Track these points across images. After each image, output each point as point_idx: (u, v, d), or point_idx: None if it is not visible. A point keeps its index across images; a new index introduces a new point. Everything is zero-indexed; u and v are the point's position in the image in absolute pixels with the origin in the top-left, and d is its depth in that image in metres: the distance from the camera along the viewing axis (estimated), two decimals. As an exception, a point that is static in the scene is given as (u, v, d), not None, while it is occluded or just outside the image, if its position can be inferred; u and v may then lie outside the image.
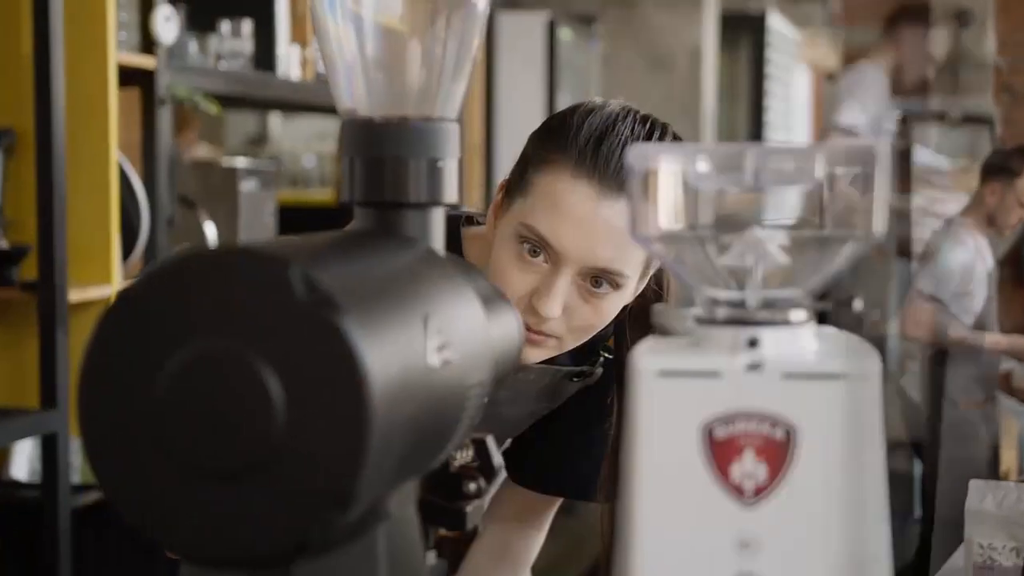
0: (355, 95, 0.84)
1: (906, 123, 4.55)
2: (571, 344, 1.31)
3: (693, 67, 5.57)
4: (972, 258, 4.41)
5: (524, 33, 5.35)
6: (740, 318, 0.72)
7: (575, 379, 1.44)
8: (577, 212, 1.23)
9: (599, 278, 1.27)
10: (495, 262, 1.29)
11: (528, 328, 1.27)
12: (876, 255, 4.53)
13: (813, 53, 8.87)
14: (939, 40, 4.64)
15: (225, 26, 3.07)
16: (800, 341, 0.71)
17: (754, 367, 0.69)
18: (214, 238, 2.97)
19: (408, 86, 0.83)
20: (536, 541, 1.54)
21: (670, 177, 0.72)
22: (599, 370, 1.44)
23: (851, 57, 9.93)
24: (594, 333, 1.32)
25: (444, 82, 0.84)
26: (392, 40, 0.83)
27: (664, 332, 0.85)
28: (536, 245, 1.26)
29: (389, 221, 0.82)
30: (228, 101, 3.27)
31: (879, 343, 4.56)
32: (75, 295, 2.43)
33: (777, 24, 7.49)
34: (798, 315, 0.72)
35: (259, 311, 0.62)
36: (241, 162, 3.23)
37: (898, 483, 4.04)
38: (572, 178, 1.24)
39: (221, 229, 3.05)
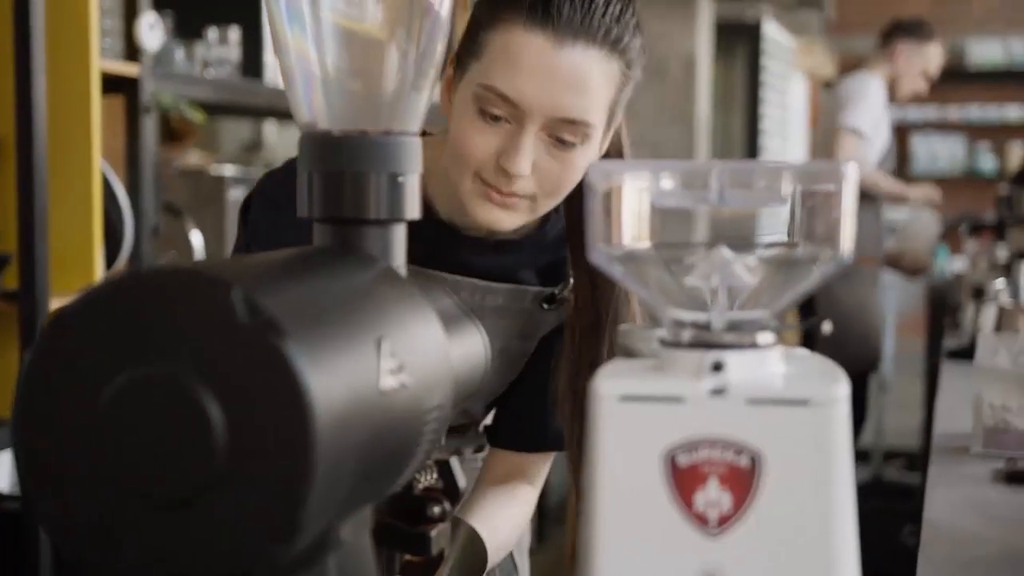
0: (314, 108, 0.81)
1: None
2: (544, 206, 1.29)
3: (687, 75, 5.55)
4: (883, 98, 4.55)
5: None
6: (705, 341, 0.70)
7: (546, 305, 1.42)
8: (534, 63, 1.21)
9: (564, 134, 1.24)
10: (455, 133, 1.27)
11: (499, 192, 1.26)
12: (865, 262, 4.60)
13: (809, 61, 8.87)
14: (934, 54, 4.66)
15: (212, 33, 3.05)
16: (767, 365, 0.69)
17: (718, 392, 0.67)
18: (200, 246, 2.94)
19: (368, 99, 0.81)
20: (531, 497, 1.50)
21: (633, 195, 0.70)
22: (568, 295, 1.41)
23: (847, 65, 9.95)
24: (565, 193, 1.29)
25: (405, 95, 0.82)
26: (352, 51, 0.81)
27: (628, 353, 0.83)
28: (496, 105, 1.23)
29: (349, 238, 0.79)
30: (216, 108, 3.24)
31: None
32: (57, 304, 2.40)
33: (773, 32, 7.48)
34: (765, 338, 0.70)
35: (200, 334, 0.59)
36: (229, 170, 3.20)
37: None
38: (525, 31, 1.21)
39: (209, 237, 3.03)
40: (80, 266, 2.48)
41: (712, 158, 6.37)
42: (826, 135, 4.56)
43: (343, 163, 0.79)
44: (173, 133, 3.55)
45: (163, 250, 2.88)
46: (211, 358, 0.59)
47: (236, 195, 3.09)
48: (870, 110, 4.48)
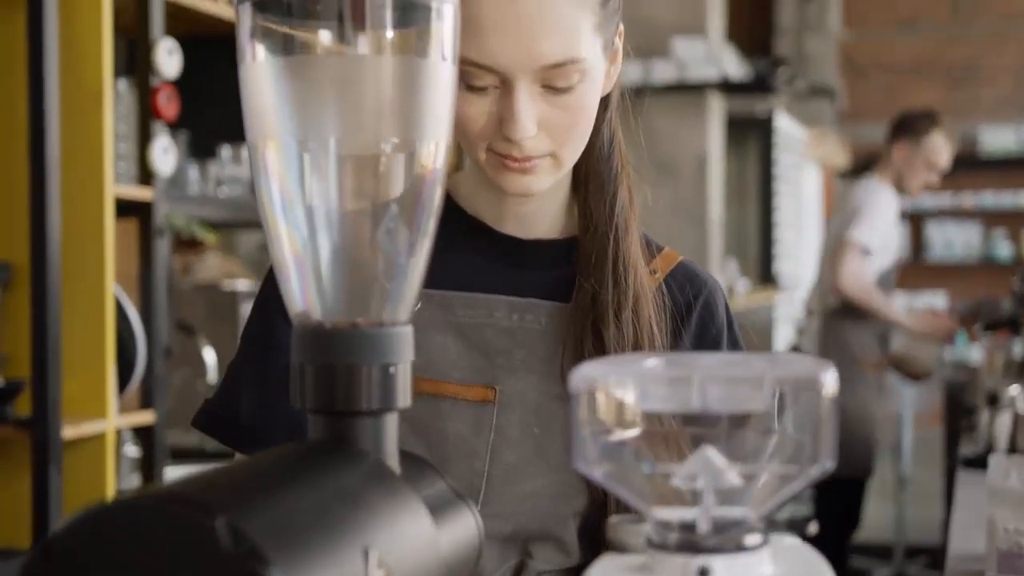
0: (307, 299, 0.83)
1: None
2: (569, 157, 1.20)
3: (699, 173, 5.58)
4: (894, 210, 4.53)
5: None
6: (691, 544, 0.70)
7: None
8: (495, 20, 1.11)
9: (556, 80, 1.15)
10: (455, 116, 1.16)
11: (514, 159, 1.17)
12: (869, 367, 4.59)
13: (822, 151, 8.92)
14: (935, 146, 4.66)
15: (225, 151, 3.09)
16: (754, 568, 0.69)
17: (704, 599, 0.67)
18: (213, 364, 2.96)
19: (360, 290, 0.82)
20: None
21: (616, 399, 0.71)
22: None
23: (860, 154, 10.02)
24: (586, 136, 1.20)
25: (396, 286, 0.83)
26: (344, 244, 0.82)
27: (618, 548, 0.83)
28: (477, 77, 1.14)
29: (340, 429, 0.80)
30: (230, 224, 3.28)
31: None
32: (69, 431, 2.41)
33: (784, 124, 7.53)
34: (752, 539, 0.70)
35: (184, 564, 0.60)
36: (243, 285, 3.23)
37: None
38: None
39: (222, 353, 3.04)
40: (92, 392, 2.49)
41: (726, 255, 6.39)
42: (835, 240, 4.57)
43: (335, 356, 0.80)
44: (191, 240, 3.59)
45: (176, 369, 2.89)
46: (196, 586, 0.60)
47: (249, 310, 3.11)
48: (881, 225, 4.49)
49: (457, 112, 1.14)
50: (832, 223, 4.84)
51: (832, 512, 4.68)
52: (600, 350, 1.23)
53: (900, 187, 4.65)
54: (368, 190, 0.82)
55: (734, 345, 1.34)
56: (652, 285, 1.29)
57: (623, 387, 0.70)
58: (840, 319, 4.58)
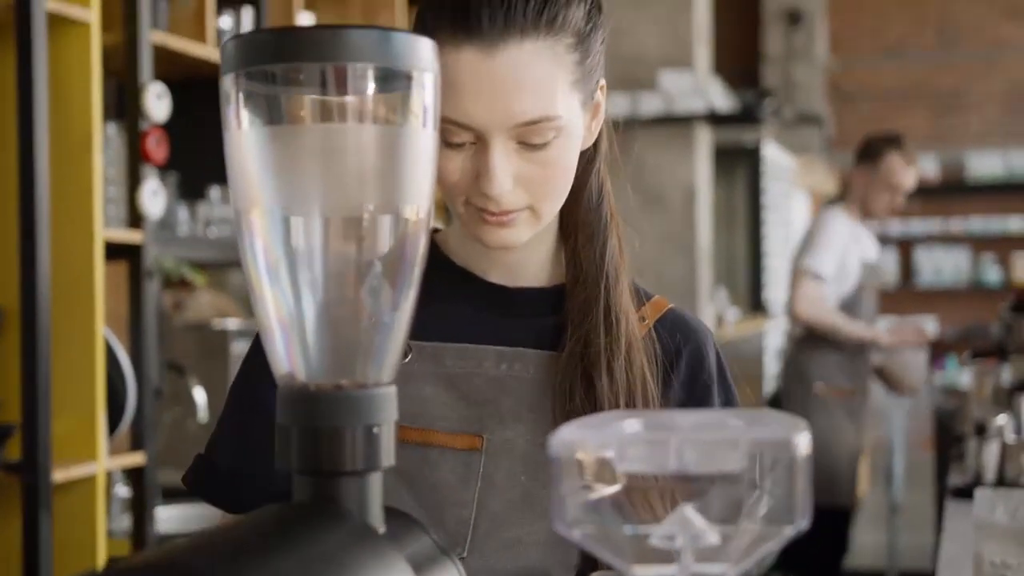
0: (292, 361, 0.84)
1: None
2: (547, 211, 1.21)
3: (688, 204, 5.61)
4: (847, 242, 4.53)
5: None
6: (670, 604, 0.71)
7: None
8: (471, 79, 1.13)
9: (531, 137, 1.16)
10: (437, 172, 1.19)
11: (491, 213, 1.19)
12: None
13: (810, 179, 8.96)
14: (892, 168, 4.61)
15: (215, 192, 3.11)
16: (732, 627, 0.71)
17: (682, 660, 0.68)
18: (204, 404, 2.97)
19: (343, 353, 0.84)
20: None
21: (595, 461, 0.72)
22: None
23: (847, 180, 10.07)
24: (564, 191, 1.21)
25: (380, 346, 0.84)
26: (328, 308, 0.84)
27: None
28: (455, 134, 1.15)
29: (326, 490, 0.82)
30: (220, 264, 3.29)
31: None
32: (60, 474, 2.41)
33: (772, 153, 7.57)
34: (730, 598, 0.71)
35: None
36: (233, 323, 3.24)
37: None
38: (455, 49, 1.14)
39: (212, 392, 3.05)
40: (83, 435, 2.50)
41: (715, 285, 6.42)
42: (792, 269, 4.58)
43: (320, 418, 0.81)
44: (182, 278, 3.60)
45: (167, 408, 2.90)
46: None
47: (240, 348, 3.12)
48: (834, 250, 4.49)
49: (440, 170, 1.15)
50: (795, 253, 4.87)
51: (819, 540, 4.68)
52: (592, 399, 1.24)
53: (866, 212, 4.65)
54: (351, 254, 0.83)
55: (726, 393, 1.34)
56: (642, 332, 1.30)
57: (603, 450, 0.72)
58: (802, 348, 4.59)
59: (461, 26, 1.14)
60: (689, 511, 0.72)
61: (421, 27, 1.18)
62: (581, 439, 0.73)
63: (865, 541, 6.80)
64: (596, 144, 1.30)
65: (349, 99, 0.81)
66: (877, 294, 4.79)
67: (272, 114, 0.83)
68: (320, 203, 0.82)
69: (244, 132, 0.82)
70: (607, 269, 1.29)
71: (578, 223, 1.30)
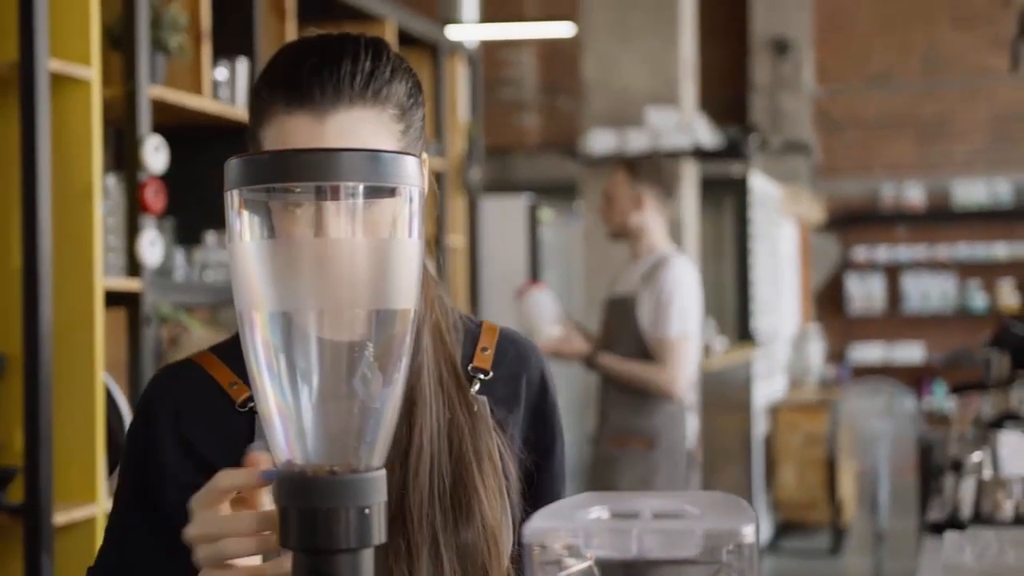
0: (290, 448, 0.92)
1: None
2: None
3: (674, 237, 5.69)
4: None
5: (507, 215, 5.52)
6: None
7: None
8: (304, 141, 1.21)
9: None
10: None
11: None
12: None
13: (797, 208, 9.06)
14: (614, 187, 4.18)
15: (211, 237, 3.19)
16: None
17: None
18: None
19: (337, 441, 0.92)
20: None
21: (562, 548, 0.80)
22: (482, 399, 1.34)
23: (835, 208, 10.19)
24: None
25: (370, 433, 0.93)
26: (323, 401, 0.92)
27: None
28: (289, 196, 1.17)
29: (321, 567, 0.90)
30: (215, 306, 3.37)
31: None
32: (60, 517, 2.49)
33: (759, 184, 7.67)
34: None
35: None
36: (227, 363, 3.31)
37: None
38: (288, 115, 1.22)
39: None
40: (83, 478, 2.57)
41: (704, 317, 6.49)
42: None
43: (315, 501, 0.90)
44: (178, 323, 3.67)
45: (164, 448, 2.97)
46: None
47: (234, 388, 3.19)
48: None
49: (281, 230, 1.10)
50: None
51: None
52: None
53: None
54: (343, 351, 0.92)
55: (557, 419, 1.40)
56: (487, 363, 1.35)
57: (571, 537, 0.80)
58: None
59: (294, 96, 1.21)
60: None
61: (257, 100, 1.25)
62: (553, 528, 0.81)
63: (852, 567, 6.88)
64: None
65: (341, 213, 0.90)
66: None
67: (270, 228, 0.91)
68: (314, 305, 0.91)
69: (246, 244, 0.90)
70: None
71: None
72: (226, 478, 1.01)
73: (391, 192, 0.91)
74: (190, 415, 1.28)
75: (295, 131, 1.22)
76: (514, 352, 1.38)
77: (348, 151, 0.90)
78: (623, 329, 3.93)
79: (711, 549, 0.79)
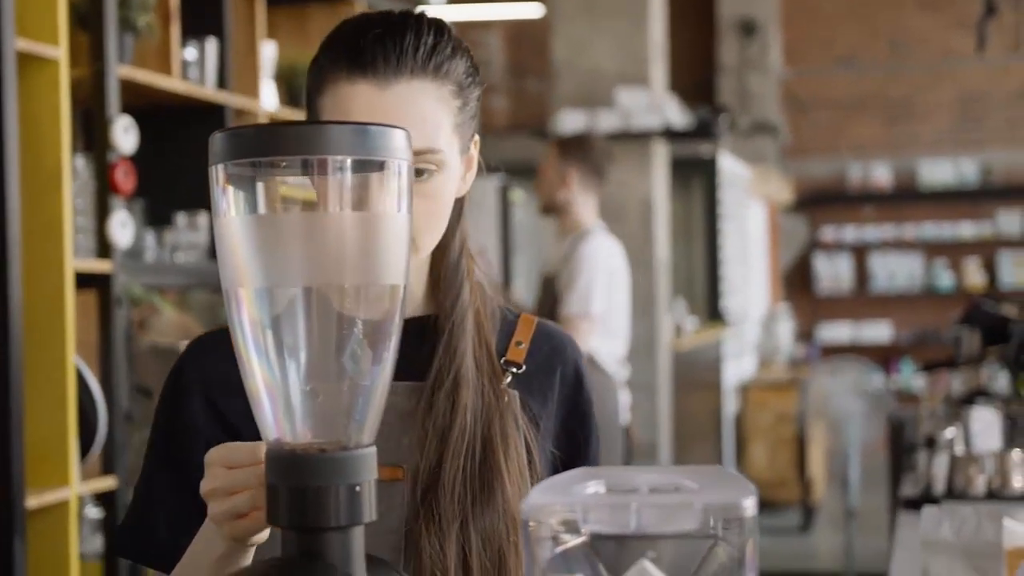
0: (279, 426, 0.91)
1: None
2: (425, 244, 1.28)
3: (645, 217, 5.70)
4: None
5: (477, 197, 5.49)
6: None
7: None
8: (363, 109, 1.22)
9: (417, 164, 1.22)
10: None
11: None
12: None
13: (766, 188, 9.08)
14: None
15: (181, 219, 3.16)
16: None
17: None
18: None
19: (326, 419, 0.91)
20: None
21: (560, 523, 0.79)
22: (513, 393, 1.33)
23: (803, 189, 10.23)
24: (441, 225, 1.28)
25: (360, 410, 0.91)
26: (311, 378, 0.90)
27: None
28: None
29: (311, 545, 0.89)
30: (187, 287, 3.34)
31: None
32: (33, 500, 2.46)
33: (728, 164, 7.68)
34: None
35: None
36: (199, 345, 3.28)
37: None
38: (350, 84, 1.23)
39: (180, 414, 3.09)
40: (55, 460, 2.55)
41: (674, 296, 6.52)
42: None
43: (305, 479, 0.89)
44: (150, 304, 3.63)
45: (137, 430, 2.95)
46: None
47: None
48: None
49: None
50: None
51: None
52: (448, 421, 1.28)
53: None
54: (332, 328, 0.90)
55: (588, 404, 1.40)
56: (520, 356, 1.35)
57: (569, 512, 0.79)
58: None
59: (357, 64, 1.23)
60: (648, 564, 0.80)
61: (317, 69, 1.27)
62: (549, 503, 0.80)
63: (822, 544, 6.92)
64: (462, 201, 1.36)
65: (329, 188, 0.88)
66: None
67: (256, 202, 0.90)
68: (302, 281, 0.89)
69: (231, 219, 0.89)
70: (454, 316, 1.32)
71: (440, 272, 1.35)
72: (247, 455, 1.01)
73: (379, 166, 0.89)
74: (219, 383, 1.28)
75: (356, 99, 1.23)
76: (549, 346, 1.38)
77: (335, 123, 0.88)
78: (546, 306, 3.98)
79: (710, 523, 0.78)
